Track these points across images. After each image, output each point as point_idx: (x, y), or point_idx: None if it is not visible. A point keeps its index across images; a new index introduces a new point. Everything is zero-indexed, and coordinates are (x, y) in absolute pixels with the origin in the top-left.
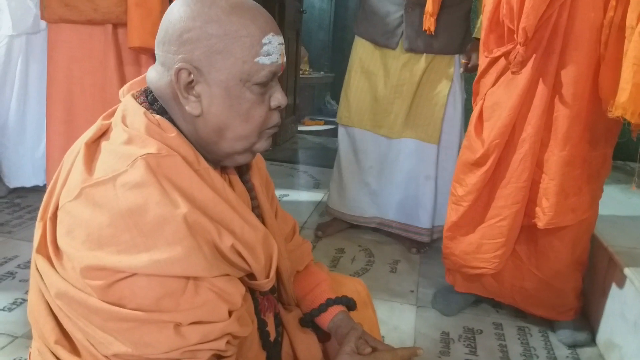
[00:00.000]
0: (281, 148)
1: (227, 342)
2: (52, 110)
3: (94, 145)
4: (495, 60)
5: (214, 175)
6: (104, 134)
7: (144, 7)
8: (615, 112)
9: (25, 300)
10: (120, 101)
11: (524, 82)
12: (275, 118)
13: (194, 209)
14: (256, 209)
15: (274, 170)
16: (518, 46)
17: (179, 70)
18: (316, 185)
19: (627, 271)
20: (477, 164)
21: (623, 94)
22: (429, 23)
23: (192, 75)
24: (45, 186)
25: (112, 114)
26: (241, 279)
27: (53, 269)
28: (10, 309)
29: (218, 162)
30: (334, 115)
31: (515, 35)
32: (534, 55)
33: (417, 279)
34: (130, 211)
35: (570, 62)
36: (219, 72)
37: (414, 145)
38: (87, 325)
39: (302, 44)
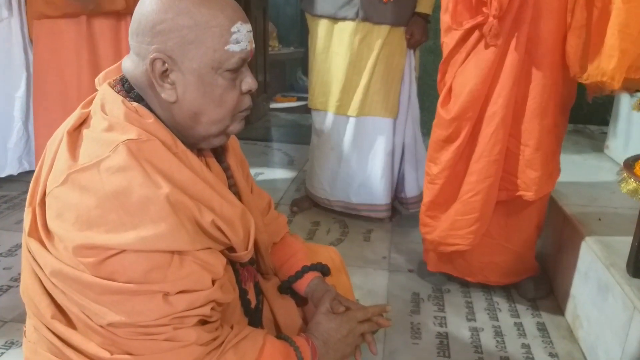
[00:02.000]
0: (254, 127)
1: (212, 309)
2: (38, 101)
3: (75, 133)
4: (464, 37)
5: (192, 157)
6: (84, 122)
7: None
8: (601, 78)
9: (10, 286)
10: (96, 89)
11: (493, 54)
12: (247, 101)
13: (175, 189)
14: (233, 187)
15: (248, 149)
16: (491, 19)
17: (154, 60)
18: (290, 162)
19: (579, 227)
20: (449, 139)
21: (611, 61)
22: None
23: (166, 65)
24: (18, 175)
25: (90, 102)
26: (222, 253)
27: (46, 250)
28: None
29: (194, 145)
30: (306, 91)
31: (485, 8)
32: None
33: (389, 245)
34: (116, 193)
35: (543, 32)
36: (191, 61)
37: (374, 122)
38: (82, 299)
39: (269, 20)
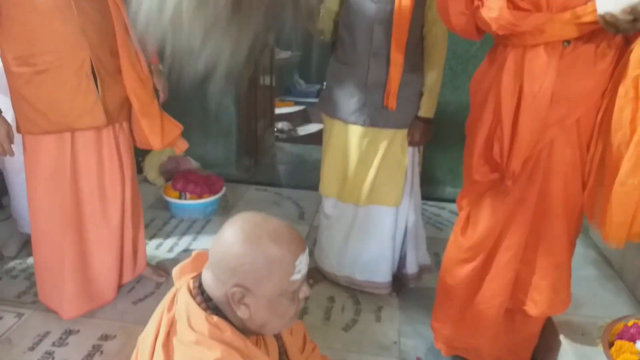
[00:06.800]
0: (261, 165)
1: None
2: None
3: (167, 344)
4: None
5: (256, 352)
6: (171, 325)
7: (149, 116)
8: (606, 239)
9: None
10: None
11: (507, 204)
12: (302, 302)
13: None
14: (283, 355)
15: (259, 199)
16: (506, 178)
17: (234, 292)
18: (300, 216)
19: (562, 338)
20: (466, 260)
21: (612, 227)
22: (391, 102)
23: (243, 293)
24: None
25: (172, 303)
26: None
27: None
28: None
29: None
30: (304, 95)
31: (502, 166)
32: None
33: (399, 327)
34: None
35: (553, 189)
36: (263, 290)
37: (379, 210)
38: None
39: None
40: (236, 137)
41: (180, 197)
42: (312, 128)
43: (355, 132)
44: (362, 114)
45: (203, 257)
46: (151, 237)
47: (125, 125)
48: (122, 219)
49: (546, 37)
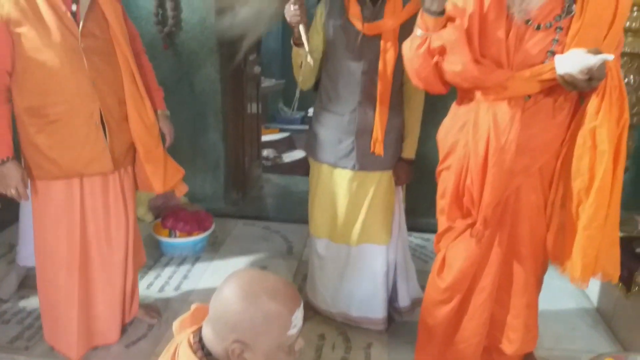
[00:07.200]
0: (249, 198)
1: None
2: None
3: None
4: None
5: None
6: None
7: (153, 161)
8: (572, 279)
9: None
10: None
11: (479, 247)
12: (298, 354)
13: None
14: None
15: (248, 234)
16: (478, 225)
17: (234, 348)
18: (289, 251)
19: None
20: (444, 302)
21: (577, 269)
22: (379, 148)
23: (242, 348)
24: None
25: (173, 355)
26: None
27: None
28: None
29: None
30: (288, 122)
31: (473, 211)
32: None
33: None
34: None
35: (521, 232)
36: (262, 345)
37: (371, 249)
38: None
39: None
40: (224, 171)
41: (170, 235)
42: (297, 155)
43: (344, 176)
44: (351, 158)
45: (202, 310)
46: (142, 276)
47: (130, 169)
48: (125, 261)
49: (509, 93)
